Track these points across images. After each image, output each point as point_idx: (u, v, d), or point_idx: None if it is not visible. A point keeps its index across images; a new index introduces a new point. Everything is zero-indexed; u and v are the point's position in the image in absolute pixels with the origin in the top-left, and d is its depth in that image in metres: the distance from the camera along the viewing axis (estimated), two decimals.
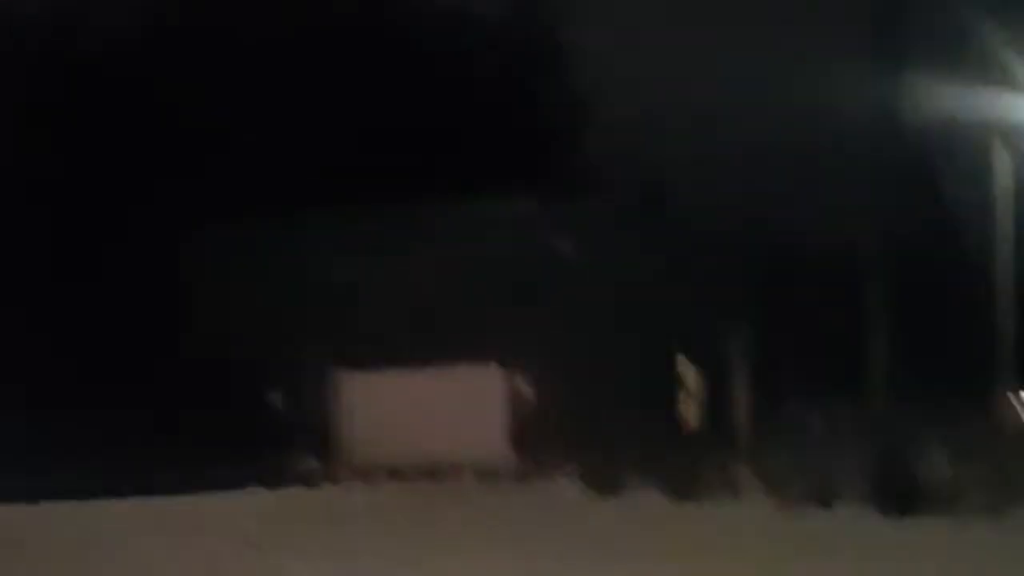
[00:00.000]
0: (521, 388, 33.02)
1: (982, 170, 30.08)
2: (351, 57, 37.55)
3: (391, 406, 33.61)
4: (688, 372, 26.48)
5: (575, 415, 30.47)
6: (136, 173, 36.08)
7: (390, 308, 34.28)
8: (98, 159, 35.94)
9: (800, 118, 34.94)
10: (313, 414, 34.13)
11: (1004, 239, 29.14)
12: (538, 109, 42.62)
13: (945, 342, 38.95)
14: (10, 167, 34.75)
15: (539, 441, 28.73)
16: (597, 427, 25.92)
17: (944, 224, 46.47)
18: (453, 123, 39.81)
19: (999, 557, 11.98)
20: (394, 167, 37.22)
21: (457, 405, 33.40)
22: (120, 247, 35.80)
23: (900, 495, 15.26)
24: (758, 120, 35.02)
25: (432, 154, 38.96)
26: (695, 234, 38.26)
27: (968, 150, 32.60)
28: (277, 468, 26.11)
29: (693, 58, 32.25)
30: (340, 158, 37.67)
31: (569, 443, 23.45)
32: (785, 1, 31.52)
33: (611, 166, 39.23)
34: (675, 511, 16.47)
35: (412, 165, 37.37)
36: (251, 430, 32.38)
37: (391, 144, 39.33)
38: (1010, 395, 29.64)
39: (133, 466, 25.71)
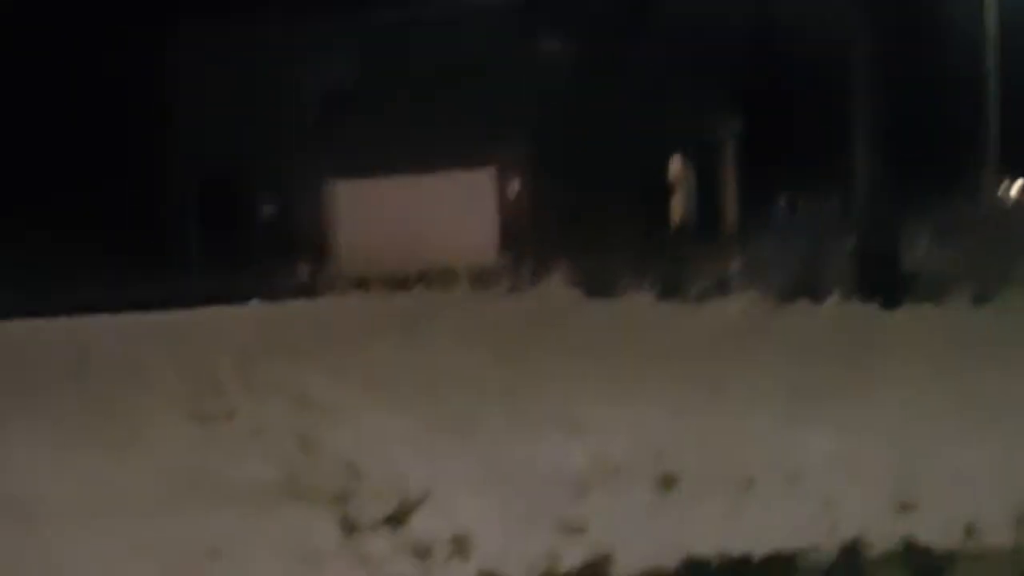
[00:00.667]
0: (512, 191, 33.07)
1: None
2: None
3: (386, 214, 33.74)
4: (678, 169, 26.40)
5: (566, 216, 30.58)
6: None
7: (380, 113, 34.09)
8: None
9: None
10: (308, 224, 34.25)
11: (991, 30, 28.87)
12: None
13: (931, 130, 38.91)
14: None
15: (532, 244, 28.86)
16: (588, 228, 26.05)
17: (932, 15, 45.87)
18: None
19: (987, 343, 12.17)
20: None
21: (450, 211, 33.52)
22: (102, 58, 35.34)
23: (887, 286, 15.40)
24: None
25: None
26: (682, 27, 37.80)
27: None
28: (273, 280, 26.30)
29: None
30: None
31: (561, 245, 23.55)
32: None
33: None
34: (666, 310, 16.64)
35: None
36: (246, 243, 32.57)
37: None
38: (998, 182, 29.76)
39: (128, 281, 25.93)
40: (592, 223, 27.81)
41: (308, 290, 24.86)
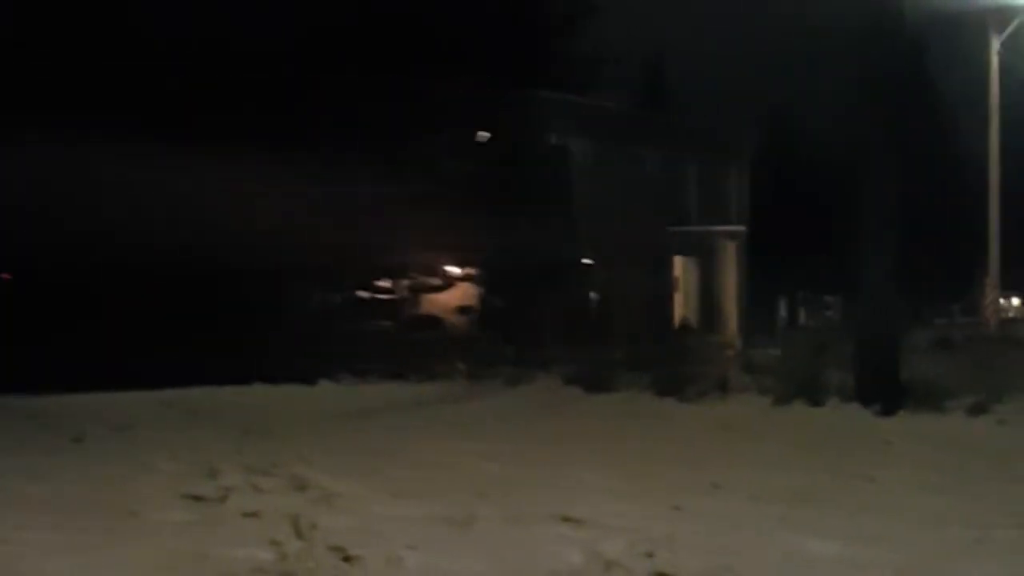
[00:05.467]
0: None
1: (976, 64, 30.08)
2: None
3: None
4: (682, 271, 26.51)
5: (567, 311, 30.59)
6: None
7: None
8: None
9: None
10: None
11: (995, 149, 29.19)
12: None
13: (935, 242, 39.24)
14: None
15: (531, 338, 28.83)
16: (589, 323, 26.07)
17: (940, 132, 46.36)
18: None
19: (984, 452, 12.15)
20: None
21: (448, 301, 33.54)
22: None
23: (885, 392, 15.38)
24: None
25: None
26: (692, 131, 38.16)
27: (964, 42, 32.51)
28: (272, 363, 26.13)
29: None
30: None
31: (560, 339, 23.55)
32: None
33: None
34: (664, 407, 16.59)
35: None
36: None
37: None
38: (995, 295, 29.81)
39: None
40: (593, 319, 27.83)
41: (307, 376, 24.69)
